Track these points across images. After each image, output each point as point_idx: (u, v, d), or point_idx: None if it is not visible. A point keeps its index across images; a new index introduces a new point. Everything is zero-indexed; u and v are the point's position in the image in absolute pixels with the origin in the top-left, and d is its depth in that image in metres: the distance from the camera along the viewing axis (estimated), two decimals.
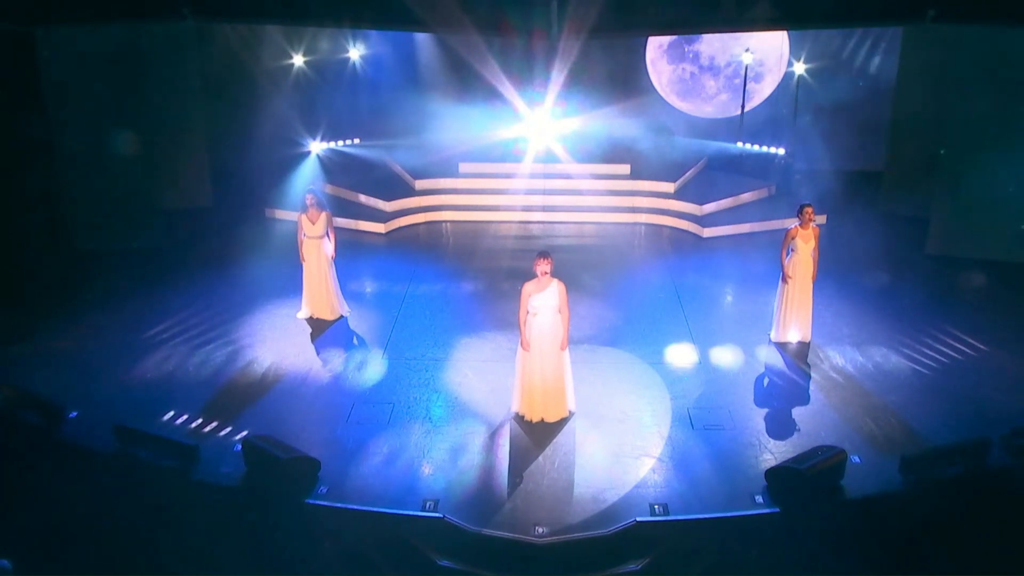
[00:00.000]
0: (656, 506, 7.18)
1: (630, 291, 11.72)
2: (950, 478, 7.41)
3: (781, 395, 9.05)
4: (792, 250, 9.77)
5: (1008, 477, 7.52)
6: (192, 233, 13.65)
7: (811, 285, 9.84)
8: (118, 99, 12.35)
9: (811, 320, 10.01)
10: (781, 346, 9.98)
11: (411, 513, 7.07)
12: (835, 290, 11.29)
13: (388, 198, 14.96)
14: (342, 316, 10.67)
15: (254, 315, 10.79)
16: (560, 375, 8.32)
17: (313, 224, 10.26)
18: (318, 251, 10.32)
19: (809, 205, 9.71)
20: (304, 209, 10.32)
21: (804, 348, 9.94)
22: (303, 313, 10.64)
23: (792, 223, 9.84)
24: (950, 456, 7.58)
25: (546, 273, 7.95)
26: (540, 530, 6.88)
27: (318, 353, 9.88)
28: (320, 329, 10.43)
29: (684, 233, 14.36)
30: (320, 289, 10.47)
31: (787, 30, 15.76)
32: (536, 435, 8.18)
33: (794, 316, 9.95)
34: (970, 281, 11.73)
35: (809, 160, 15.76)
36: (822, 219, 13.91)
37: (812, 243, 9.70)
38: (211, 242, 13.32)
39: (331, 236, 10.41)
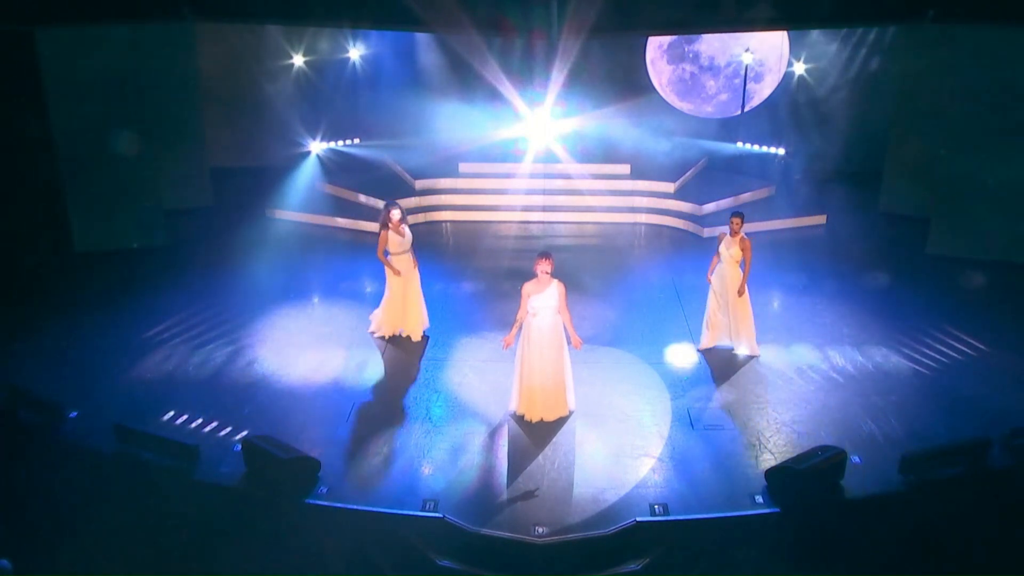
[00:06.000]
0: (656, 506, 7.19)
1: (630, 291, 11.72)
2: (950, 478, 7.43)
3: (781, 395, 9.05)
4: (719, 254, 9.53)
5: (1008, 477, 7.53)
6: (192, 233, 13.63)
7: (740, 296, 9.40)
8: (118, 99, 12.32)
9: (755, 333, 9.62)
10: (780, 346, 9.96)
11: (411, 513, 7.09)
12: (835, 290, 11.29)
13: (388, 198, 14.92)
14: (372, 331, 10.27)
15: (254, 315, 10.78)
16: (560, 375, 8.33)
17: (403, 238, 9.71)
18: (411, 265, 9.85)
19: (737, 215, 9.36)
20: (385, 225, 9.61)
21: (803, 349, 9.91)
22: (386, 331, 10.10)
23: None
24: (950, 456, 7.59)
25: (546, 273, 7.95)
26: (540, 530, 6.89)
27: (318, 353, 9.87)
28: (321, 329, 10.44)
29: (684, 233, 14.35)
30: (415, 305, 10.02)
31: (787, 30, 15.72)
32: (536, 435, 8.18)
33: (739, 328, 9.60)
34: (970, 281, 11.72)
35: (809, 160, 15.75)
36: (822, 219, 13.92)
37: (735, 252, 9.27)
38: (211, 242, 13.29)
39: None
